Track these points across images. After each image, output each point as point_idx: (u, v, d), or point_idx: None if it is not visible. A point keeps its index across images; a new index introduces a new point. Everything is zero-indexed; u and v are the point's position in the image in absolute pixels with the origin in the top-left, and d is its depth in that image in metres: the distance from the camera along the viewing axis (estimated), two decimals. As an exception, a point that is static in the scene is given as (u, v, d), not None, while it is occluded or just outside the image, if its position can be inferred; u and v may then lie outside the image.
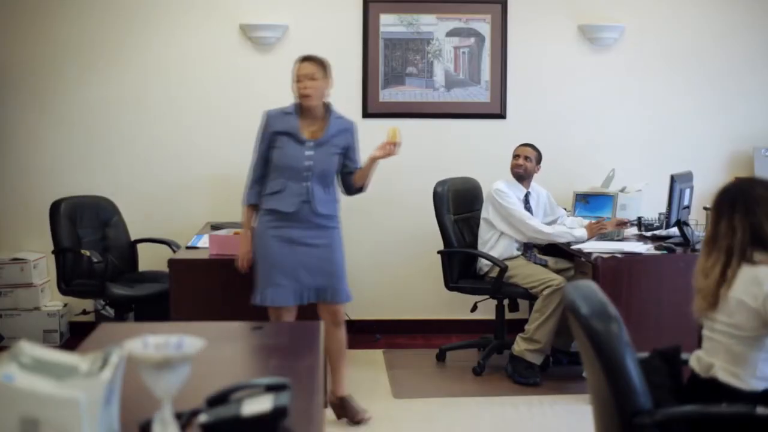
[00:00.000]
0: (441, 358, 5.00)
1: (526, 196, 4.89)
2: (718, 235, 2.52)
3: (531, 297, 4.66)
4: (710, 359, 2.52)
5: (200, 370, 1.63)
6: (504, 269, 4.66)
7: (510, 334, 4.84)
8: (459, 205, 5.01)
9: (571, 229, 4.72)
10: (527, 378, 4.55)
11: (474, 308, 5.03)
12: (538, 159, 4.91)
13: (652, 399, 2.25)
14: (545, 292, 4.52)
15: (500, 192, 4.76)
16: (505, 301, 4.92)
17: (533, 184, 4.96)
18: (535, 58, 5.63)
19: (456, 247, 4.90)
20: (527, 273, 4.65)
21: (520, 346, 4.58)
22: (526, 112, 5.62)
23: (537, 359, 4.57)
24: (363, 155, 4.04)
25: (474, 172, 5.30)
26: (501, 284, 4.71)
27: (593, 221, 4.79)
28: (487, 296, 4.88)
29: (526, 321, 4.67)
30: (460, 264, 4.94)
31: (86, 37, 5.43)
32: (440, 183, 4.98)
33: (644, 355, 2.51)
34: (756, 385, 2.43)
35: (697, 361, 2.57)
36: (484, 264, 4.83)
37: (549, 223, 4.97)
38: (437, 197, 4.91)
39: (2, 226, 5.48)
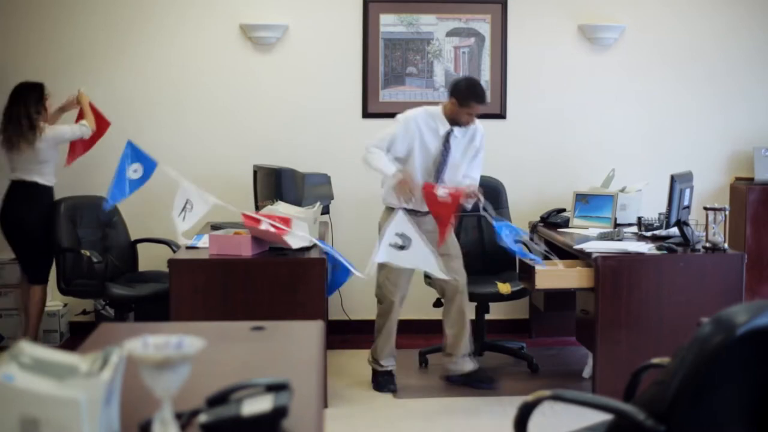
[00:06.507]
0: (423, 363, 4.99)
1: (447, 134, 4.44)
2: None
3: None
4: None
5: (200, 370, 1.63)
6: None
7: (490, 335, 5.00)
8: None
9: (385, 168, 4.39)
10: (382, 386, 4.57)
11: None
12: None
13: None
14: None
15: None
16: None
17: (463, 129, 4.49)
18: (535, 58, 5.63)
19: None
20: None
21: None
22: (526, 112, 5.62)
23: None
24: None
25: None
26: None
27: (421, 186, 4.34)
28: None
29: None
30: None
31: (86, 38, 5.43)
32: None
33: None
34: None
35: None
36: None
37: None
38: None
39: (2, 226, 5.48)
